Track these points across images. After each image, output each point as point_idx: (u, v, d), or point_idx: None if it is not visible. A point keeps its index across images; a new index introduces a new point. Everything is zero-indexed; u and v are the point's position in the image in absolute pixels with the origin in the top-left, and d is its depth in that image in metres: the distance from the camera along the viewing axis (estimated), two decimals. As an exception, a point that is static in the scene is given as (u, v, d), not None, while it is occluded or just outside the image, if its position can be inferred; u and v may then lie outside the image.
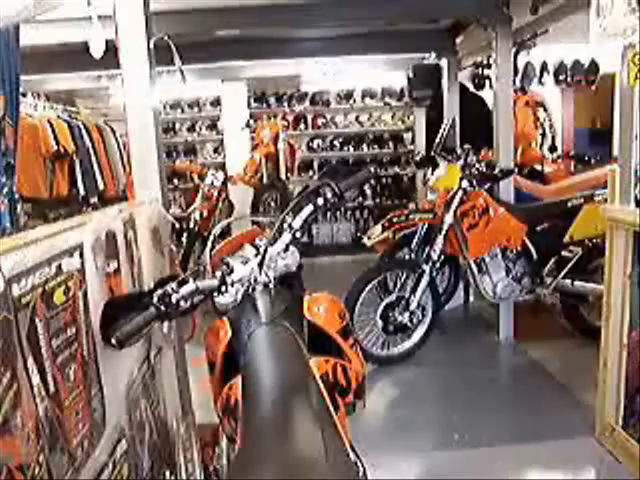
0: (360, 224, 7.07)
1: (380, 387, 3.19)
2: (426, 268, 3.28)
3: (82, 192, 5.00)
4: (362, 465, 1.10)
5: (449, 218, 3.29)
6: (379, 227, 3.57)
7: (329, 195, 1.29)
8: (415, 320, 3.32)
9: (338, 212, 7.00)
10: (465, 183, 3.30)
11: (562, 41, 4.70)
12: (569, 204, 3.45)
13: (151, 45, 1.81)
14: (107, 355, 1.20)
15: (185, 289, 1.15)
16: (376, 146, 6.96)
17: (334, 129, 7.03)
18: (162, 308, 1.13)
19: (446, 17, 4.18)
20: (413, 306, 3.28)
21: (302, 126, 6.91)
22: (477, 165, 3.44)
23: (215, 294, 1.21)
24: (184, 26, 3.37)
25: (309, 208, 1.28)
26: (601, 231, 2.70)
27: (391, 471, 2.25)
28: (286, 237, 1.26)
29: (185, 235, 4.75)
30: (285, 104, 6.80)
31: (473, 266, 3.39)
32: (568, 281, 3.43)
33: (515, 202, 3.58)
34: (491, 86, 4.64)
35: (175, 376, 1.90)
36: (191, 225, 4.82)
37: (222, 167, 5.82)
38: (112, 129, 5.58)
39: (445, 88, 4.76)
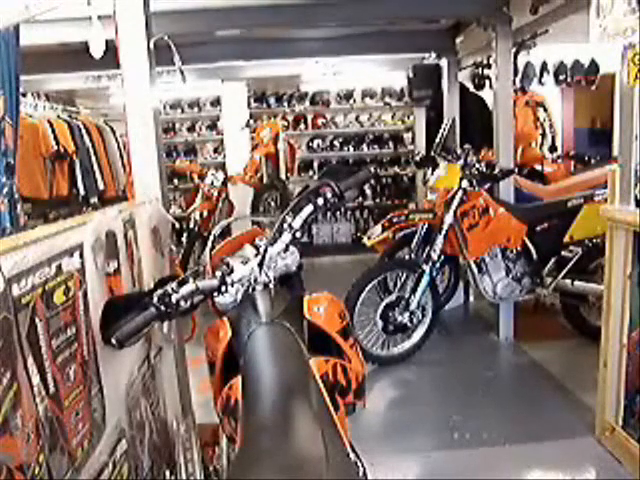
0: (360, 224, 7.07)
1: (380, 387, 3.19)
2: (426, 268, 3.28)
3: (82, 192, 5.00)
4: (362, 465, 1.10)
5: (449, 218, 3.29)
6: (379, 227, 3.56)
7: (329, 195, 1.29)
8: (415, 320, 3.32)
9: (338, 212, 7.00)
10: (465, 183, 3.30)
11: (562, 41, 4.70)
12: (569, 204, 3.45)
13: (151, 45, 1.81)
14: (107, 355, 1.21)
15: (185, 289, 1.15)
16: (376, 146, 6.96)
17: (334, 129, 7.03)
18: (162, 308, 1.12)
19: (446, 17, 4.18)
20: (413, 306, 3.28)
21: (302, 126, 6.90)
22: (477, 165, 3.44)
23: (215, 294, 1.21)
24: (184, 26, 3.37)
25: (309, 208, 1.28)
26: (601, 231, 2.71)
27: (391, 471, 2.25)
28: (286, 237, 1.26)
29: (185, 235, 4.75)
30: (285, 104, 6.80)
31: (473, 266, 3.39)
32: (568, 281, 3.43)
33: (515, 202, 3.58)
34: (491, 86, 4.63)
35: (175, 376, 1.90)
36: (191, 225, 4.82)
37: (222, 167, 5.82)
38: (112, 129, 5.58)
39: (445, 88, 4.76)
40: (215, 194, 5.01)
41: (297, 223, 1.26)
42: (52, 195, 4.78)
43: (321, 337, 1.23)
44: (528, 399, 2.90)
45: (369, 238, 3.61)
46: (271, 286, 1.22)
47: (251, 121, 6.03)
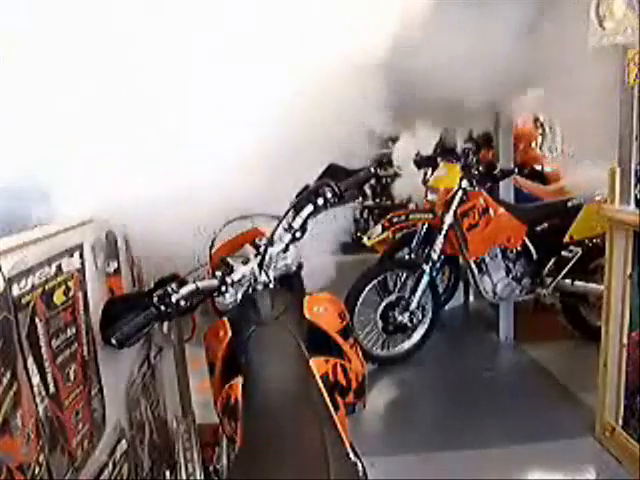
0: (360, 224, 7.06)
1: (380, 387, 3.19)
2: (426, 268, 3.27)
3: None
4: (362, 465, 1.10)
5: (449, 218, 3.29)
6: (379, 227, 3.56)
7: (329, 195, 1.29)
8: (415, 320, 3.32)
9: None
10: (465, 183, 3.29)
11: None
12: (569, 204, 3.45)
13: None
14: (107, 355, 1.20)
15: (185, 289, 1.15)
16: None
17: (334, 129, 7.00)
18: (162, 308, 1.12)
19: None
20: (413, 306, 3.28)
21: (302, 126, 6.89)
22: (477, 165, 3.44)
23: (215, 294, 1.21)
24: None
25: (309, 208, 1.28)
26: (601, 231, 2.70)
27: (391, 471, 2.25)
28: (286, 237, 1.26)
29: (185, 235, 4.74)
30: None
31: (473, 266, 3.39)
32: (568, 281, 3.42)
33: (515, 202, 3.57)
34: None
35: (175, 376, 1.90)
36: (191, 225, 4.81)
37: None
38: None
39: (445, 88, 4.75)
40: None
41: (297, 223, 1.26)
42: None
43: (321, 337, 1.23)
44: (528, 399, 2.89)
45: (369, 238, 3.61)
46: (271, 286, 1.22)
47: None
